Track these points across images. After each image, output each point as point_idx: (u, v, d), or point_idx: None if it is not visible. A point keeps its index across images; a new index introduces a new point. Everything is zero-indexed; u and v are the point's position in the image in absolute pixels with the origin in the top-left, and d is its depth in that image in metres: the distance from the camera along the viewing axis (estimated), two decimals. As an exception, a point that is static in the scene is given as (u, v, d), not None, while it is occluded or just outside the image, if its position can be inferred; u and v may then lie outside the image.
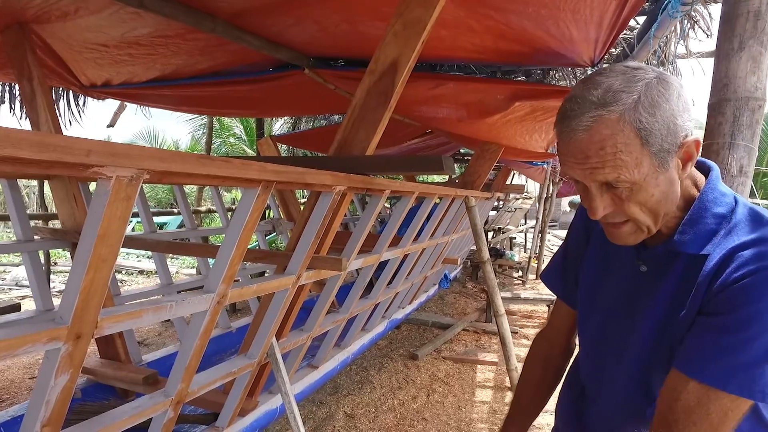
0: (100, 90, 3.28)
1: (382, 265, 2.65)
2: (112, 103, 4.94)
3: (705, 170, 0.81)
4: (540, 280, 7.47)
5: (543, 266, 8.40)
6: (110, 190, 0.81)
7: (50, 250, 6.20)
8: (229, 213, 4.51)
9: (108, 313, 0.98)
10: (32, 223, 2.34)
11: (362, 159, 1.58)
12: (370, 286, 2.78)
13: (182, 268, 8.46)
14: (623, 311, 0.86)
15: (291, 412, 1.78)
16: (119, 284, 2.61)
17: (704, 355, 0.70)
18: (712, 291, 0.71)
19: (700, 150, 0.74)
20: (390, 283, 2.95)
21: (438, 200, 3.06)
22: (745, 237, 0.72)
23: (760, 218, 0.74)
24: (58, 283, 6.85)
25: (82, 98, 3.72)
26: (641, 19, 2.53)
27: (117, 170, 0.79)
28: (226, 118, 13.99)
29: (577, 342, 1.04)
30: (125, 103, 4.92)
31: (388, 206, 7.33)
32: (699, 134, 0.74)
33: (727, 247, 0.72)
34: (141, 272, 7.94)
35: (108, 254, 0.87)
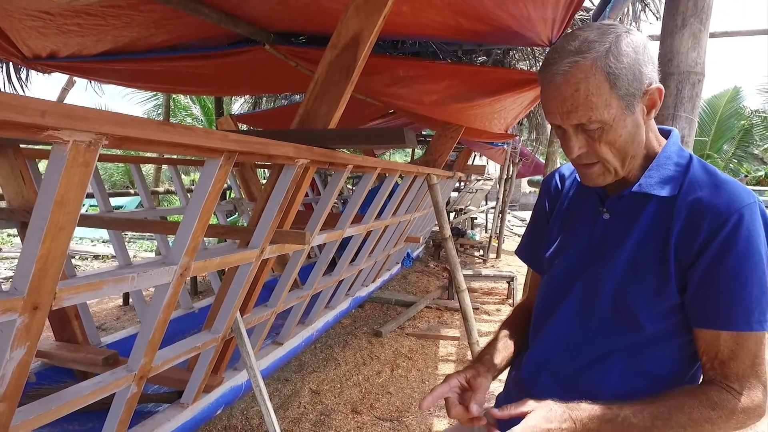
0: (45, 62, 3.09)
1: (344, 244, 2.67)
2: (60, 78, 4.69)
3: (666, 134, 0.92)
4: (500, 259, 7.70)
5: (503, 246, 8.64)
6: (67, 155, 0.78)
7: (-5, 235, 5.87)
8: (189, 194, 4.40)
9: (67, 284, 0.96)
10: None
11: (324, 132, 1.58)
12: (333, 264, 2.80)
13: (140, 252, 8.20)
14: (590, 257, 0.93)
15: (257, 386, 1.79)
16: (75, 269, 2.52)
17: (722, 307, 0.79)
18: (695, 242, 0.80)
19: (662, 98, 0.83)
20: (353, 260, 2.98)
21: (400, 179, 3.09)
22: (708, 188, 0.81)
23: (713, 171, 0.85)
24: (3, 269, 6.52)
25: (25, 71, 3.50)
26: (596, 0, 2.61)
27: (74, 134, 0.77)
28: (183, 98, 13.50)
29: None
30: (74, 78, 4.67)
31: (351, 187, 7.32)
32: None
33: (694, 197, 0.81)
34: (96, 257, 7.65)
35: (66, 222, 0.85)
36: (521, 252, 1.18)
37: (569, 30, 2.68)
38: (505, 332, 1.09)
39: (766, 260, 0.79)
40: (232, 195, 4.61)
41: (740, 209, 0.77)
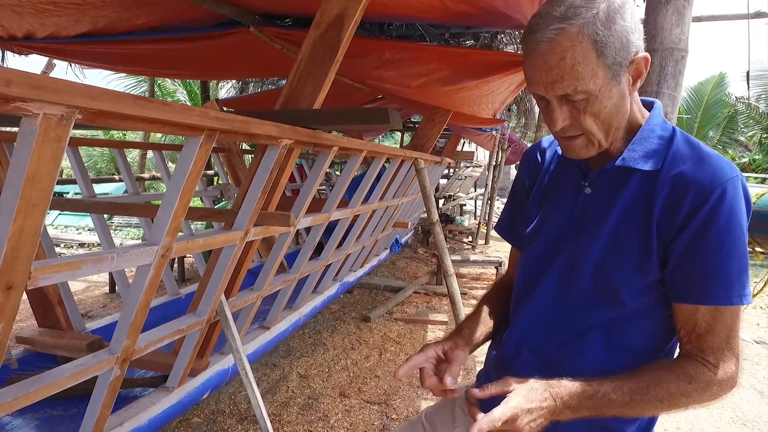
0: (22, 43, 3.00)
1: (331, 228, 2.66)
2: (39, 61, 4.56)
3: (648, 106, 0.91)
4: (489, 245, 7.72)
5: (492, 232, 8.69)
6: (38, 129, 0.76)
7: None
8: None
9: (43, 264, 0.94)
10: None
11: (308, 112, 1.56)
12: (321, 248, 2.79)
13: (126, 239, 8.11)
14: (571, 232, 0.92)
15: (243, 369, 1.79)
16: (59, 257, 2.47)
17: (703, 281, 0.79)
18: (678, 217, 0.79)
19: (649, 67, 0.81)
20: (340, 245, 2.97)
21: (387, 163, 3.08)
22: (691, 162, 0.81)
23: (696, 144, 0.84)
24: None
25: (1, 52, 3.40)
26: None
27: (44, 107, 0.75)
28: (169, 83, 13.27)
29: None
30: (54, 61, 4.56)
31: (338, 173, 7.29)
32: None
33: (677, 171, 0.81)
34: (81, 245, 7.56)
35: (39, 199, 0.83)
36: (501, 228, 1.16)
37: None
38: (485, 308, 1.08)
39: (747, 235, 0.79)
40: (219, 181, 4.56)
41: (723, 183, 0.77)
